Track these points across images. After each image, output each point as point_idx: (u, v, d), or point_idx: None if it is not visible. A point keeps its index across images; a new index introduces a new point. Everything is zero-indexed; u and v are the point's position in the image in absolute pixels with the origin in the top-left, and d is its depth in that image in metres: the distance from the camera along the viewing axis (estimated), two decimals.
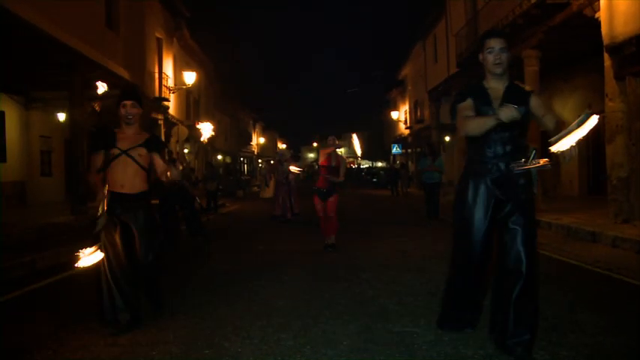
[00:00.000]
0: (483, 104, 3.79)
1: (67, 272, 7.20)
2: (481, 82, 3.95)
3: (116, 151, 4.61)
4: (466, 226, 3.88)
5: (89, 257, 4.32)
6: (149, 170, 4.81)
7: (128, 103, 4.77)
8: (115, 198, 4.60)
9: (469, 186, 3.87)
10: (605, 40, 10.51)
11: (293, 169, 11.69)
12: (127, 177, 4.62)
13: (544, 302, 5.15)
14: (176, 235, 10.45)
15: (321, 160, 8.84)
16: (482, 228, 3.81)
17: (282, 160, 14.84)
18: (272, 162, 31.35)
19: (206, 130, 16.11)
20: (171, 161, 19.01)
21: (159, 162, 4.83)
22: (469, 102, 3.82)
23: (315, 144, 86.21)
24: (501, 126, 3.50)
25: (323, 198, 8.75)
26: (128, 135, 4.75)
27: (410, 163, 35.85)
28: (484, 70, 3.92)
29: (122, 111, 4.75)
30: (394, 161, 41.58)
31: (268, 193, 27.37)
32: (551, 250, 8.34)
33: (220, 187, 31.57)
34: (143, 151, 4.70)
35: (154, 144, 4.85)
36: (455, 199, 4.06)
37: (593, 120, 3.19)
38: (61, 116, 17.76)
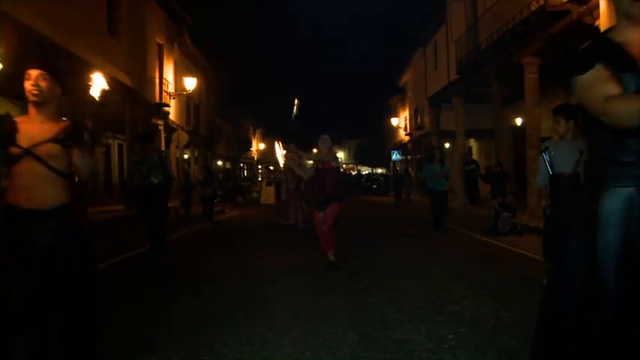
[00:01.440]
0: (625, 70, 2.20)
1: None
2: (606, 35, 2.42)
3: (16, 150, 3.15)
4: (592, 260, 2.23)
5: None
6: (70, 175, 3.35)
7: (34, 73, 3.31)
8: (21, 216, 3.17)
9: (602, 199, 2.25)
10: None
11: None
12: (35, 186, 3.18)
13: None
14: (160, 243, 9.24)
15: (323, 164, 7.81)
16: (619, 264, 2.16)
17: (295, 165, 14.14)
18: (271, 168, 31.33)
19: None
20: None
21: (77, 158, 3.32)
22: (600, 70, 2.22)
23: (315, 150, 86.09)
24: None
25: (323, 207, 7.60)
26: (35, 125, 3.29)
27: (409, 169, 35.82)
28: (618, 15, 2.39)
29: (26, 85, 3.30)
30: (394, 167, 41.60)
31: (270, 199, 27.34)
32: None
33: (220, 192, 31.69)
34: (56, 147, 3.24)
35: (74, 135, 3.33)
36: (562, 219, 2.90)
37: None
38: None
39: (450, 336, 4.40)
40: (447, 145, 30.10)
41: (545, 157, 5.21)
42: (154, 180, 8.88)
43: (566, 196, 5.04)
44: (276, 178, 19.37)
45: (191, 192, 17.64)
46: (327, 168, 7.73)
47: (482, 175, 18.91)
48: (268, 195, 27.56)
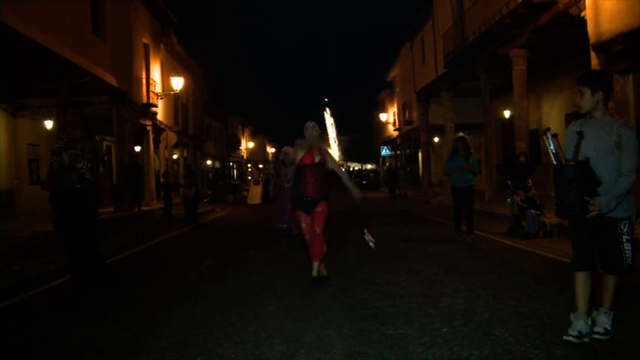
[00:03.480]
0: None
1: (57, 281, 7.16)
2: None
3: None
4: None
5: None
6: None
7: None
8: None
9: None
10: (592, 38, 10.56)
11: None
12: None
13: (539, 301, 5.15)
14: (97, 260, 6.78)
15: (302, 158, 6.40)
16: None
17: (288, 162, 11.76)
18: (260, 166, 31.20)
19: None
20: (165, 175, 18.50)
21: None
22: None
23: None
24: None
25: (308, 210, 6.33)
26: None
27: (399, 163, 35.82)
28: None
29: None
30: (384, 162, 41.52)
31: (255, 199, 27.20)
32: (545, 249, 8.36)
33: (209, 192, 31.57)
34: None
35: None
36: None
37: None
38: (49, 124, 17.68)
39: (445, 330, 4.38)
40: (436, 140, 30.14)
41: (550, 143, 3.92)
42: (78, 177, 6.32)
43: (571, 192, 3.79)
44: (267, 173, 18.23)
45: (169, 193, 17.28)
46: (309, 163, 6.34)
47: (501, 167, 16.85)
48: (254, 194, 27.38)
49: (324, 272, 6.42)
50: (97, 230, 6.89)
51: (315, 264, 6.22)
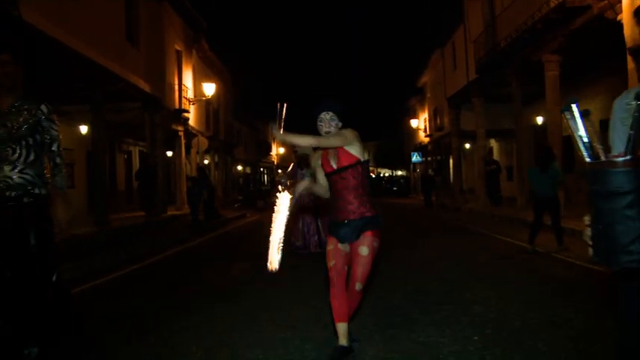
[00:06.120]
0: None
1: (90, 283, 7.27)
2: None
3: None
4: None
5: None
6: None
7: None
8: None
9: None
10: (628, 42, 10.37)
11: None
12: None
13: (571, 310, 5.07)
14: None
15: (322, 164, 4.10)
16: None
17: (303, 162, 9.79)
18: (289, 169, 31.28)
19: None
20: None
21: None
22: None
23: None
24: None
25: (349, 237, 4.00)
26: None
27: (430, 170, 35.57)
28: None
29: None
30: (415, 168, 41.27)
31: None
32: (575, 257, 8.20)
33: (240, 197, 31.71)
34: None
35: None
36: None
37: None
38: (84, 129, 18.07)
39: (476, 338, 4.33)
40: (467, 146, 29.88)
41: (578, 125, 2.18)
42: (15, 177, 3.78)
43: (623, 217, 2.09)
44: (280, 181, 17.43)
45: (196, 198, 17.33)
46: (330, 171, 4.02)
47: None
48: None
49: (346, 343, 3.88)
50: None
51: (344, 325, 3.95)
